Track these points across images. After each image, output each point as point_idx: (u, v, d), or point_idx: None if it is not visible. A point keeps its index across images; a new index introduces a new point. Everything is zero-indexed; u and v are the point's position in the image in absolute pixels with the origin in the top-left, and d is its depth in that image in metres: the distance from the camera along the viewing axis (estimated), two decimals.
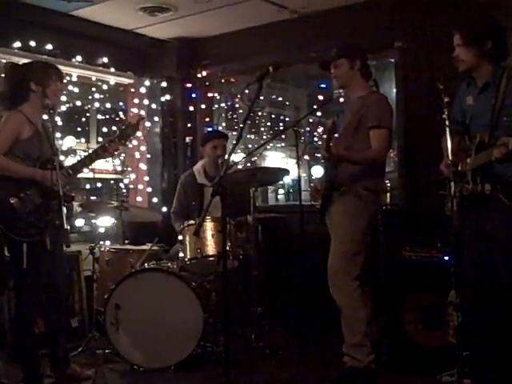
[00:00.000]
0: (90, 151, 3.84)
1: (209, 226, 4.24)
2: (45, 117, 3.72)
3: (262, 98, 5.00)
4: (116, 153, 3.82)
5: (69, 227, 3.50)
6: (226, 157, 4.61)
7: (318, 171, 6.43)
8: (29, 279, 3.51)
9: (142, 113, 6.03)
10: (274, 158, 7.39)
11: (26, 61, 4.91)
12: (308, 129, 6.91)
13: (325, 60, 4.03)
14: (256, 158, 5.86)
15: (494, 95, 3.13)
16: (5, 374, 3.79)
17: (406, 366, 3.83)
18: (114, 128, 6.55)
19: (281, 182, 7.22)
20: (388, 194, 4.79)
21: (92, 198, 5.72)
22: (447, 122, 2.96)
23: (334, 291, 3.79)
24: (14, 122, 3.51)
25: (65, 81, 3.94)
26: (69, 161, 4.44)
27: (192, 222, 4.36)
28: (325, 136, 3.82)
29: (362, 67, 3.92)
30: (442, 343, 3.66)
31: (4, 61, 5.10)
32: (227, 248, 3.79)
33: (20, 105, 3.56)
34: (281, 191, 7.48)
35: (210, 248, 4.21)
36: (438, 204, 3.39)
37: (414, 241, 4.24)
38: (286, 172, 4.55)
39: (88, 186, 5.71)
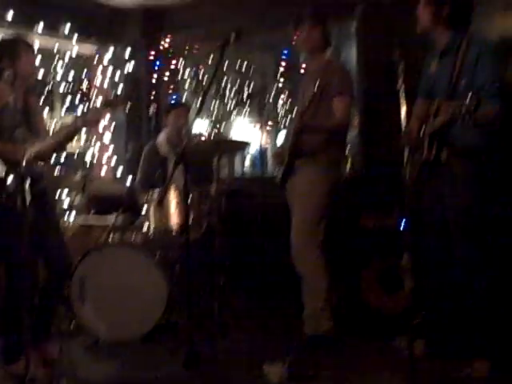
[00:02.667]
0: (67, 125, 3.76)
1: (173, 196, 4.22)
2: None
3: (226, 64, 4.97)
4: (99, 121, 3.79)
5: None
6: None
7: (283, 137, 6.44)
8: None
9: (106, 82, 5.96)
10: (241, 124, 7.37)
11: None
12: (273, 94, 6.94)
13: (295, 21, 3.96)
14: (222, 126, 5.83)
15: (453, 60, 3.15)
16: None
17: (365, 332, 3.89)
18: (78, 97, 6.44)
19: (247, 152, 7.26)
20: (349, 161, 4.82)
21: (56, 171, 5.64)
22: (402, 90, 2.97)
23: (297, 259, 3.81)
24: None
25: None
26: None
27: (156, 190, 4.33)
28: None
29: (322, 34, 3.91)
30: (401, 308, 3.74)
31: None
32: (190, 219, 3.80)
33: None
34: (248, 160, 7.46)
35: (174, 219, 4.21)
36: (398, 172, 3.42)
37: (372, 208, 4.33)
38: (247, 144, 4.48)
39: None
